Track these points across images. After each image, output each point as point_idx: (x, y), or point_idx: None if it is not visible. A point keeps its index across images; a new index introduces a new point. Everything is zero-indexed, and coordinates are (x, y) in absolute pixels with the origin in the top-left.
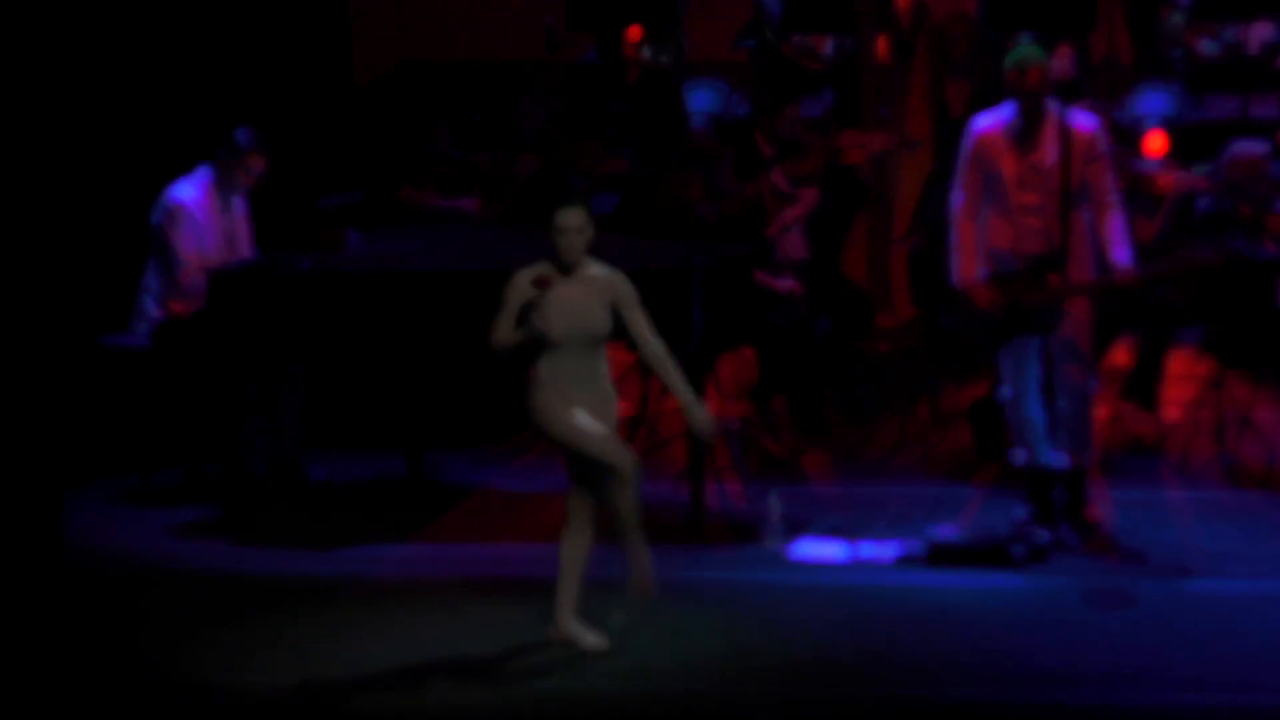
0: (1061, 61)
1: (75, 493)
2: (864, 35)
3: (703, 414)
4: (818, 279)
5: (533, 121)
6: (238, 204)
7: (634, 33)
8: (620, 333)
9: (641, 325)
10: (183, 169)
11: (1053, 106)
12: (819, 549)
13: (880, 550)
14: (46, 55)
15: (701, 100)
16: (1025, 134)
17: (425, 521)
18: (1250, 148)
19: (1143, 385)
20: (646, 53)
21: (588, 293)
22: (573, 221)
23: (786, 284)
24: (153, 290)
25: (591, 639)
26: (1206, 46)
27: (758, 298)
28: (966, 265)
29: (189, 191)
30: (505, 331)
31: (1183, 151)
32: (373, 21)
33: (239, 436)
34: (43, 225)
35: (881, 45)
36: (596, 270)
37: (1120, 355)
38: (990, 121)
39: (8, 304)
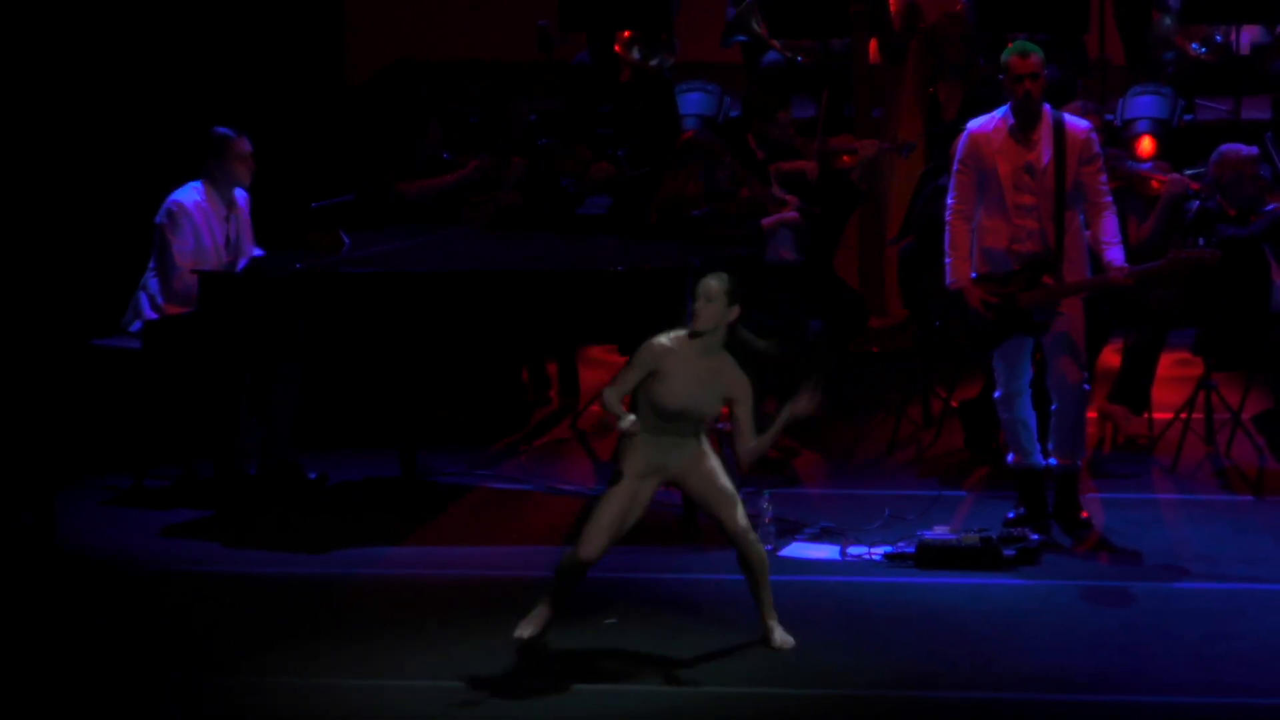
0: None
1: (67, 494)
2: (856, 37)
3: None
4: (810, 281)
5: (524, 122)
6: (242, 202)
7: (624, 33)
8: (616, 334)
9: (746, 420)
10: (175, 169)
11: (1047, 108)
12: (811, 550)
13: (872, 551)
14: (41, 59)
15: (694, 103)
16: (1020, 133)
17: (419, 522)
18: (1239, 149)
19: (1135, 387)
20: (636, 53)
21: (709, 374)
22: (702, 290)
23: (792, 214)
24: (150, 290)
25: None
26: (1197, 49)
27: (754, 295)
28: (960, 266)
29: (191, 195)
30: (617, 394)
31: (1174, 154)
32: (366, 21)
33: (232, 437)
34: (36, 227)
35: (873, 47)
36: (726, 359)
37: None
38: (985, 122)
39: (1, 305)
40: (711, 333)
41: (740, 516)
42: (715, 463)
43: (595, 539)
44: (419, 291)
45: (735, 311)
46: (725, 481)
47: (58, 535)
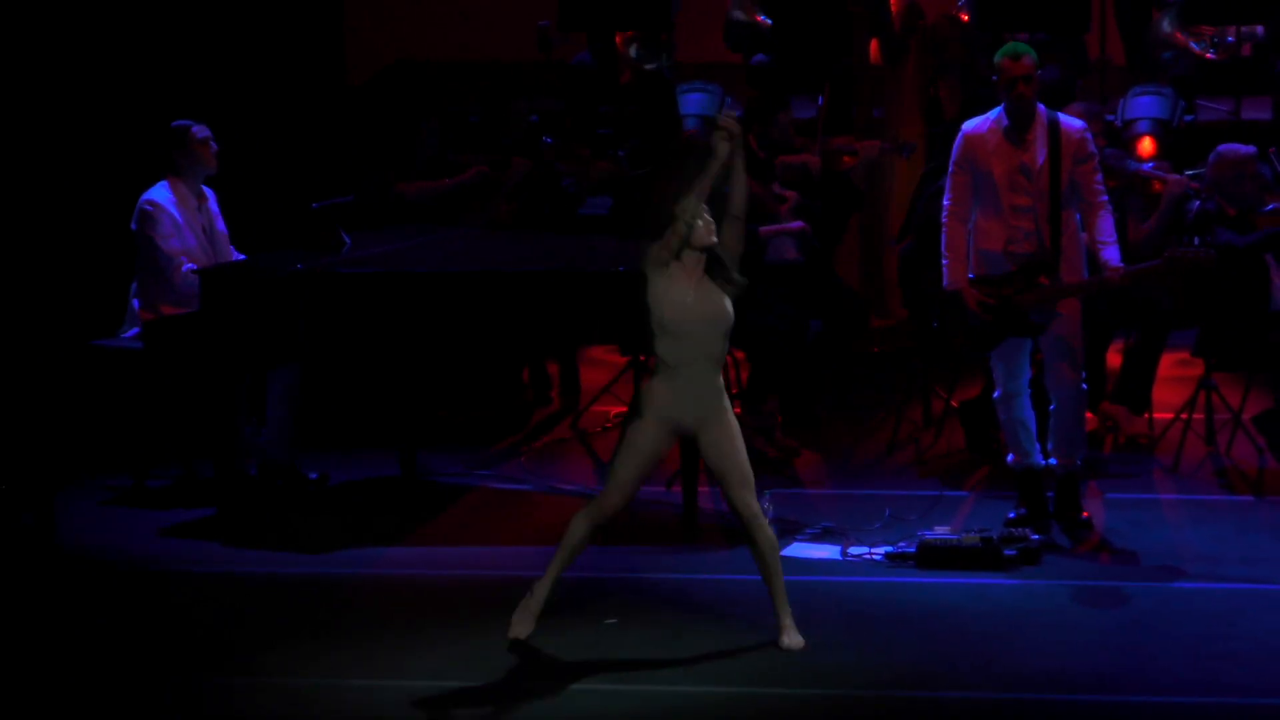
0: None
1: (68, 494)
2: (856, 37)
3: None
4: (811, 281)
5: (525, 122)
6: (210, 197)
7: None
8: (616, 335)
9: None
10: (171, 170)
11: (1041, 108)
12: (812, 550)
13: (873, 551)
14: (39, 59)
15: (695, 103)
16: (1015, 135)
17: (419, 522)
18: (1238, 149)
19: (1135, 387)
20: (633, 51)
21: (707, 284)
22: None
23: (797, 225)
24: (141, 295)
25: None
26: (1200, 48)
27: (754, 296)
28: (956, 268)
29: (162, 193)
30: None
31: (1175, 154)
32: (367, 21)
33: (232, 437)
34: (35, 228)
35: (874, 47)
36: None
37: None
38: (979, 124)
39: (1, 306)
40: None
41: (751, 500)
42: (736, 431)
43: (615, 494)
44: (419, 292)
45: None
46: (741, 457)
47: (58, 535)
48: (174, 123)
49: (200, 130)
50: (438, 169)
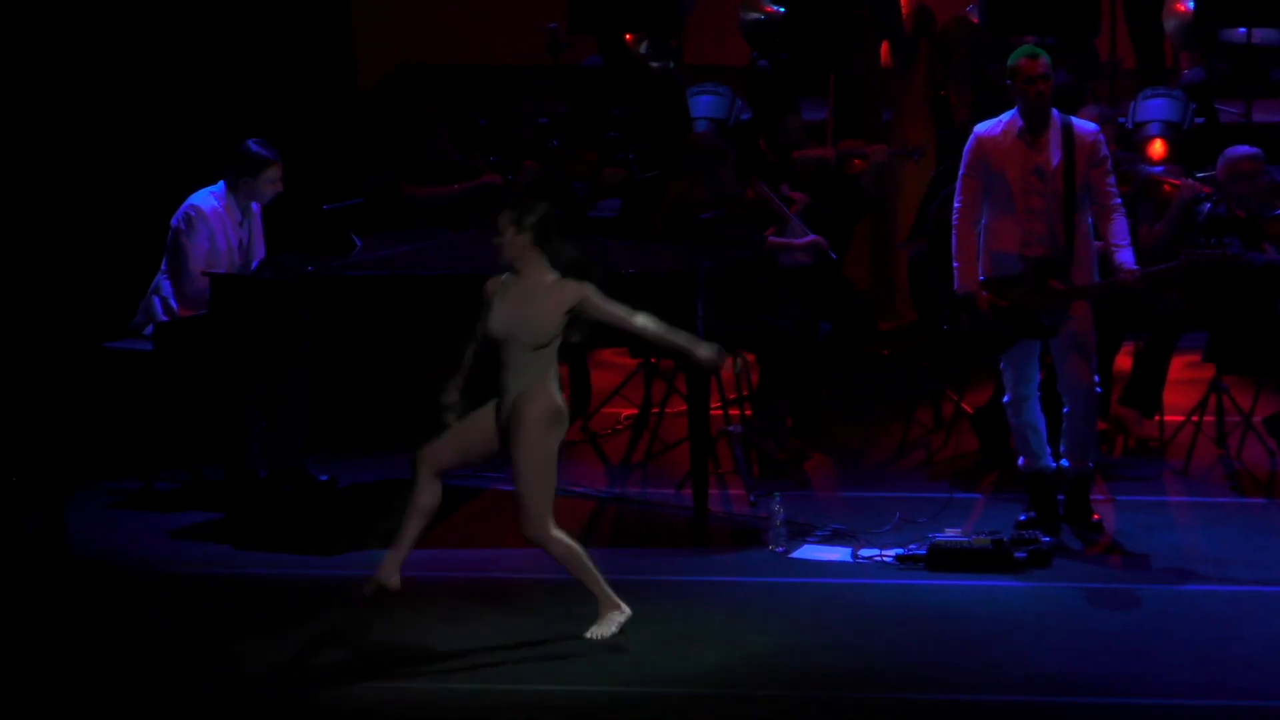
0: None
1: (77, 497)
2: (866, 41)
3: (705, 348)
4: (820, 285)
5: (534, 125)
6: (256, 215)
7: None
8: (626, 337)
9: (617, 311)
10: (184, 174)
11: (1054, 112)
12: (822, 552)
13: (883, 554)
14: (51, 63)
15: (705, 106)
16: (1029, 137)
17: (430, 524)
18: (1245, 151)
19: (1146, 390)
20: (643, 48)
21: (538, 297)
22: (496, 224)
23: (809, 239)
24: (163, 292)
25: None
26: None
27: (764, 298)
28: (968, 271)
29: (210, 200)
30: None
31: (1187, 157)
32: (374, 26)
33: (242, 440)
34: (47, 230)
35: (884, 50)
36: (553, 277)
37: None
38: (993, 126)
39: (12, 307)
40: (521, 264)
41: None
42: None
43: None
44: (429, 294)
45: (528, 238)
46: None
47: (67, 537)
48: (258, 149)
49: (279, 169)
50: (446, 173)
